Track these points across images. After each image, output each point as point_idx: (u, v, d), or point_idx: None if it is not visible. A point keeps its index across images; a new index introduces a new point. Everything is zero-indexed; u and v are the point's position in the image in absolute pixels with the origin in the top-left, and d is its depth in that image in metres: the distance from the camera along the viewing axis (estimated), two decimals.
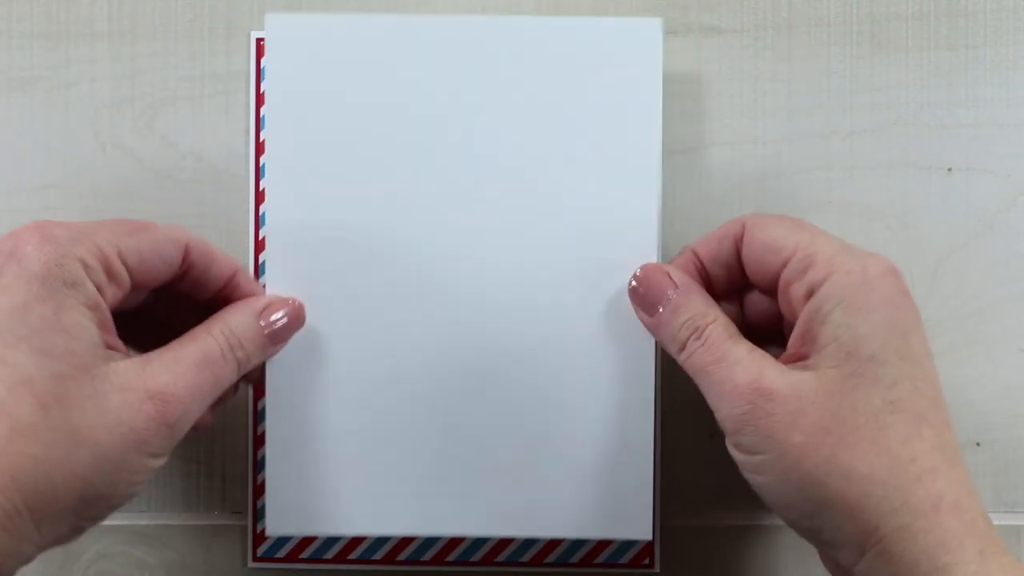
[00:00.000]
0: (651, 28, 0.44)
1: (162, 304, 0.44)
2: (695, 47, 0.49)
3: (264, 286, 0.45)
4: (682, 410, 0.48)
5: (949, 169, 0.49)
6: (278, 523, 0.45)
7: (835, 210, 0.49)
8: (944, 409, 0.39)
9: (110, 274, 0.39)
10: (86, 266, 0.39)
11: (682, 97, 0.49)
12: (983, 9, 0.49)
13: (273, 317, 0.43)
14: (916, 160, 0.49)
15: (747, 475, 0.40)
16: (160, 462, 0.40)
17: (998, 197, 0.49)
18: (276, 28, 0.45)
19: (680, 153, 0.48)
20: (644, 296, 0.44)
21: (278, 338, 0.44)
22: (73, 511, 0.38)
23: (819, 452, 0.38)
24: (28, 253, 0.38)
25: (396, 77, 0.45)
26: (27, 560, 0.37)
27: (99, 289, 0.39)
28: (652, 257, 0.45)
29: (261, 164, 0.47)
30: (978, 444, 0.49)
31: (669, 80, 0.48)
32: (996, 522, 0.49)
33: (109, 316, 0.40)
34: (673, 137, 0.48)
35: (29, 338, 0.37)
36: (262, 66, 0.47)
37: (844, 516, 0.38)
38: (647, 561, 0.48)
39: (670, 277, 0.43)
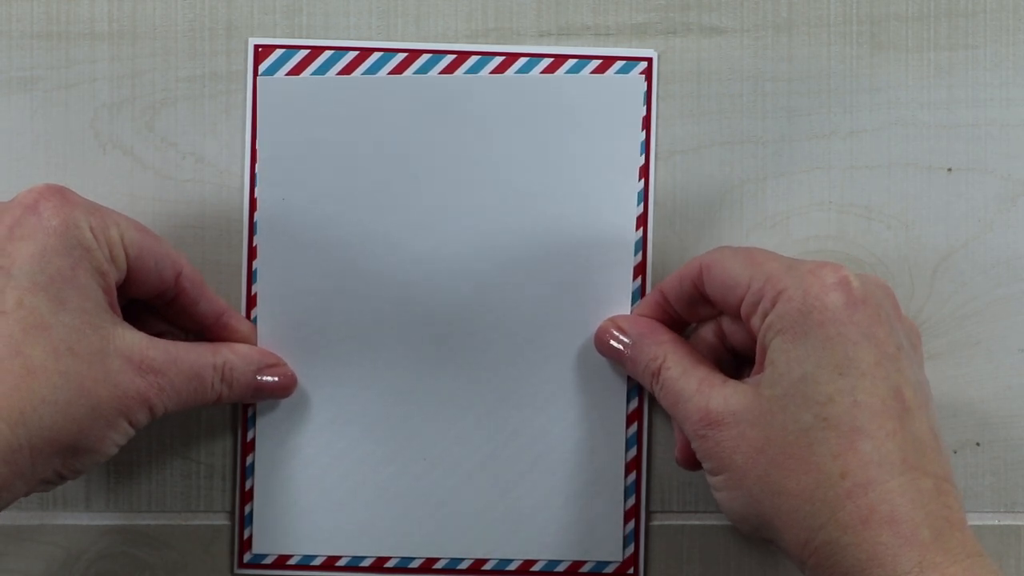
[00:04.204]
0: (635, 82, 0.48)
1: None
2: (695, 47, 0.49)
3: (255, 321, 0.47)
4: None
5: (949, 169, 0.49)
6: (264, 542, 0.48)
7: (835, 210, 0.49)
8: (901, 415, 0.39)
9: (112, 255, 0.42)
10: (95, 237, 0.41)
11: (682, 97, 0.49)
12: (983, 9, 0.49)
13: (268, 378, 0.46)
14: (916, 160, 0.49)
15: (712, 492, 0.42)
16: (133, 433, 0.42)
17: (998, 197, 0.49)
18: (267, 89, 0.47)
19: (680, 153, 0.49)
20: (604, 353, 0.47)
21: (261, 395, 0.46)
22: (63, 457, 0.40)
23: (754, 471, 0.40)
24: (48, 209, 0.41)
25: (382, 129, 0.47)
26: (13, 498, 0.39)
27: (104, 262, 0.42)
28: (625, 304, 0.47)
29: (255, 173, 0.48)
30: (978, 444, 0.49)
31: (669, 80, 0.48)
32: (996, 522, 0.49)
33: (114, 287, 0.42)
34: (673, 137, 0.48)
35: (47, 286, 0.40)
36: (259, 72, 0.48)
37: (781, 530, 0.40)
38: (631, 571, 0.48)
39: (621, 328, 0.46)
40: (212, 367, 0.44)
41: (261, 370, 0.46)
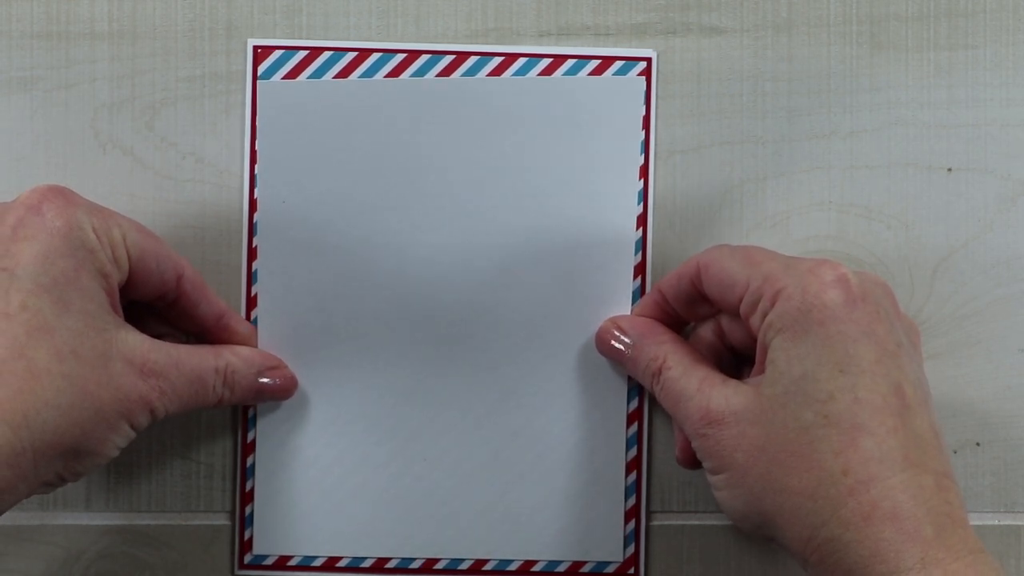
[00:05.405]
0: (634, 82, 0.48)
1: None
2: (695, 47, 0.49)
3: (256, 322, 0.47)
4: None
5: (949, 169, 0.49)
6: (264, 543, 0.48)
7: (835, 210, 0.49)
8: (902, 412, 0.39)
9: (114, 256, 0.42)
10: (98, 238, 0.41)
11: (682, 97, 0.49)
12: (983, 9, 0.49)
13: (269, 380, 0.46)
14: (916, 160, 0.49)
15: (713, 492, 0.42)
16: (134, 435, 0.42)
17: (998, 197, 0.49)
18: (267, 93, 0.47)
19: (680, 153, 0.49)
20: (604, 353, 0.47)
21: (262, 397, 0.47)
22: (65, 459, 0.40)
23: (756, 469, 0.40)
24: (51, 210, 0.41)
25: (382, 132, 0.47)
26: (15, 501, 0.39)
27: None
28: (625, 304, 0.47)
29: (255, 174, 0.48)
30: (978, 444, 0.49)
31: (669, 80, 0.48)
32: (996, 522, 0.49)
33: (116, 289, 0.42)
34: (673, 137, 0.48)
35: (51, 289, 0.39)
36: (258, 73, 0.48)
37: (783, 528, 0.40)
38: (631, 571, 0.48)
39: (621, 329, 0.46)
40: (214, 370, 0.44)
41: (262, 372, 0.46)
